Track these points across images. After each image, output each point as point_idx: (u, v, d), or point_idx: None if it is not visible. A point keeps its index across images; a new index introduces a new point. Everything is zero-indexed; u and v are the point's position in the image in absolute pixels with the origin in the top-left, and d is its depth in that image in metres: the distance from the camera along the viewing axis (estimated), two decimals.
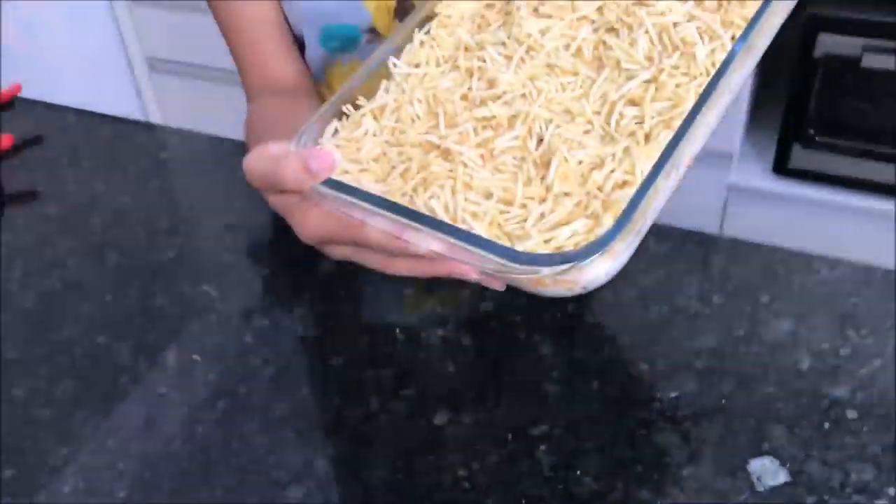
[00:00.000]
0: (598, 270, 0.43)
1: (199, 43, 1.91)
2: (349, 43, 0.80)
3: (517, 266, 0.41)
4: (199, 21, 1.85)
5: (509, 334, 0.64)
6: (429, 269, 0.47)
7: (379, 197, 0.45)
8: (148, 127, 1.03)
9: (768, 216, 1.63)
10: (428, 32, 0.55)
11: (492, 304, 0.66)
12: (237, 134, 0.87)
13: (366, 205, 0.45)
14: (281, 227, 0.78)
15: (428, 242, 0.44)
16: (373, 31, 0.79)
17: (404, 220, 0.44)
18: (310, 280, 0.71)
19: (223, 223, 0.78)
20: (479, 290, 0.66)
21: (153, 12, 1.93)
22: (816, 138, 1.52)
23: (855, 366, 0.60)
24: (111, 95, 1.99)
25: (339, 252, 0.51)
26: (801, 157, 1.55)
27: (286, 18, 0.80)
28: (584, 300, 0.65)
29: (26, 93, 0.97)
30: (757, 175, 1.62)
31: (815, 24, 1.40)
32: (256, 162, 0.50)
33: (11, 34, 1.95)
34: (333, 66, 0.83)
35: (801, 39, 1.42)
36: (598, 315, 0.65)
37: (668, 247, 0.70)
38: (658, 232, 0.70)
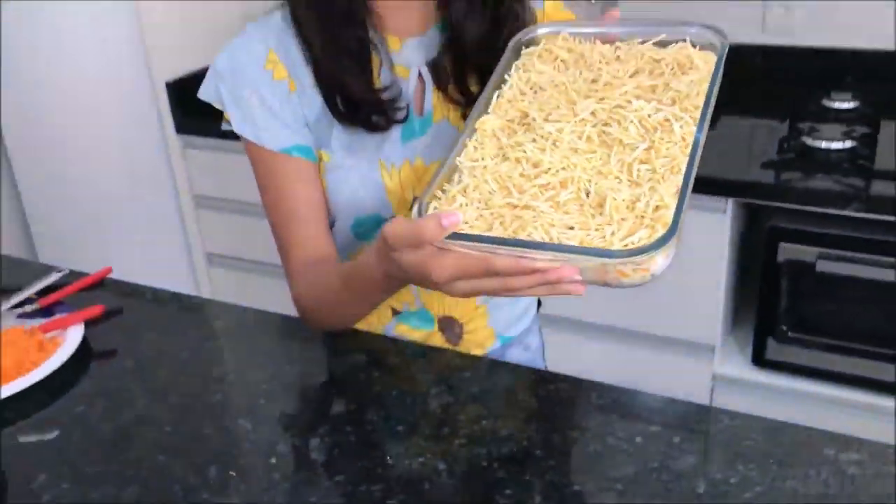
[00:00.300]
0: (661, 262, 0.69)
1: (249, 243, 2.22)
2: (374, 229, 1.02)
3: (616, 260, 0.67)
4: (251, 223, 2.16)
5: (475, 462, 0.82)
6: (541, 279, 0.70)
7: (503, 238, 0.71)
8: (205, 302, 1.27)
9: (753, 405, 1.79)
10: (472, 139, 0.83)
11: (482, 450, 0.85)
12: (273, 308, 1.10)
13: (492, 245, 0.70)
14: (299, 377, 0.99)
15: (544, 257, 0.68)
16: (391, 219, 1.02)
17: (526, 248, 0.69)
18: (322, 419, 0.90)
19: (259, 376, 0.99)
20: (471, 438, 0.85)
21: (213, 214, 2.25)
22: (789, 334, 1.71)
23: (740, 491, 0.76)
24: (176, 279, 2.27)
25: (466, 287, 0.74)
26: (776, 350, 1.73)
27: None
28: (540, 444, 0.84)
29: (115, 276, 1.22)
30: (738, 366, 1.79)
31: (776, 234, 1.64)
32: (396, 227, 0.75)
33: (101, 226, 2.28)
34: (356, 251, 1.05)
35: (765, 247, 1.65)
36: (542, 447, 0.83)
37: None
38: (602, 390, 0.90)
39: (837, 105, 1.82)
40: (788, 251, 1.63)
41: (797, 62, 1.99)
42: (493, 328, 1.12)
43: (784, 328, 1.70)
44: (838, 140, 1.64)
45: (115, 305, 1.14)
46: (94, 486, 0.83)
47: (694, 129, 0.76)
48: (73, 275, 1.21)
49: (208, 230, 2.29)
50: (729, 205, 1.64)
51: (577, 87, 0.84)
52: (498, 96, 0.86)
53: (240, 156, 2.13)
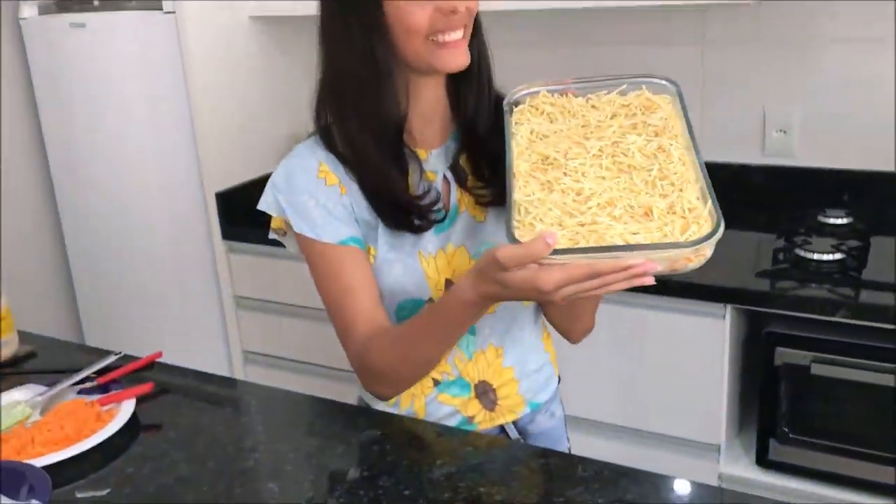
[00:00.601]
0: (712, 248, 0.88)
1: (283, 342, 2.37)
2: (414, 311, 1.16)
3: (688, 249, 0.86)
4: (288, 322, 2.31)
5: None
6: (631, 273, 0.87)
7: (601, 246, 0.88)
8: (239, 383, 1.41)
9: None
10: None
11: None
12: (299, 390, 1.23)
13: (591, 254, 0.87)
14: (320, 448, 1.11)
15: (636, 258, 0.85)
16: (431, 300, 1.16)
17: (619, 252, 0.86)
18: (340, 485, 1.03)
19: (285, 446, 1.12)
20: None
21: (251, 314, 2.41)
22: (790, 435, 1.79)
23: None
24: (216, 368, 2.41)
25: (570, 290, 0.90)
26: (778, 451, 1.81)
27: None
28: None
29: (164, 359, 1.37)
30: (744, 467, 1.87)
31: (773, 339, 1.74)
32: (508, 251, 0.92)
33: (146, 317, 2.45)
34: None
35: (763, 351, 1.76)
36: None
37: None
38: None
39: (832, 220, 1.95)
40: (785, 355, 1.74)
41: (795, 181, 2.14)
42: (523, 395, 1.24)
43: (785, 430, 1.78)
44: (829, 252, 1.77)
45: (162, 385, 1.29)
46: None
47: (683, 150, 0.98)
48: (126, 357, 1.37)
49: (246, 328, 2.44)
50: (727, 311, 1.76)
51: (575, 132, 1.04)
52: (516, 145, 1.05)
53: (277, 261, 2.32)
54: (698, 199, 0.92)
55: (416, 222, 1.14)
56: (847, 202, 2.05)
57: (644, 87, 1.09)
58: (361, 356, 1.14)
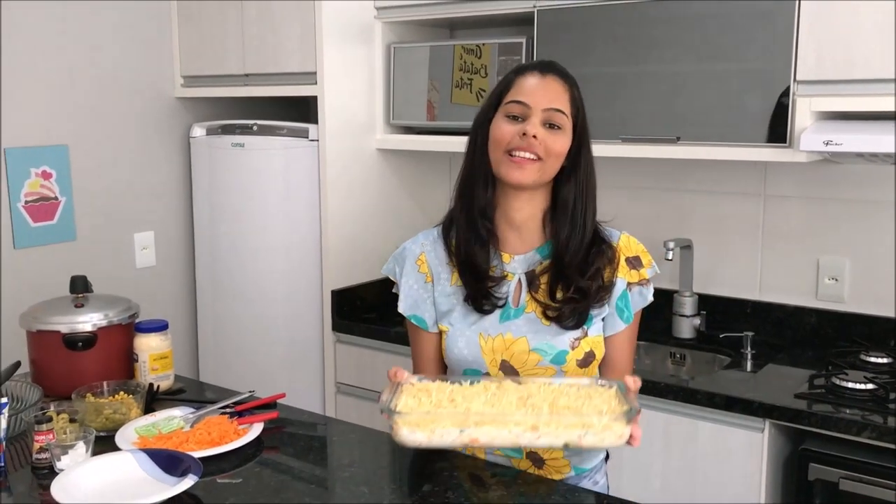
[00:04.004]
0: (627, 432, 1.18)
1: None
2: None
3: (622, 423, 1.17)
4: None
5: None
6: None
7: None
8: (337, 421, 1.74)
9: None
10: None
11: None
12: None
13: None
14: (401, 467, 1.40)
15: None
16: (486, 375, 1.46)
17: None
18: (415, 492, 1.32)
19: (374, 464, 1.42)
20: None
21: (349, 399, 2.73)
22: None
23: None
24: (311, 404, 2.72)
25: None
26: None
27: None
28: None
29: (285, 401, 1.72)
30: None
31: (807, 456, 1.95)
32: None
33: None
34: None
35: (797, 467, 1.96)
36: None
37: None
38: None
39: (873, 360, 2.16)
40: (818, 471, 1.93)
41: (844, 325, 2.36)
42: (569, 460, 1.50)
43: None
44: (862, 382, 1.98)
45: (282, 415, 1.63)
46: None
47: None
48: (254, 396, 1.73)
49: (342, 413, 2.76)
50: (766, 425, 1.98)
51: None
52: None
53: (376, 353, 2.67)
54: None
55: (484, 304, 1.45)
56: (893, 347, 2.26)
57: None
58: None
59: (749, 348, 2.29)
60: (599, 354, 1.47)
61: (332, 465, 1.43)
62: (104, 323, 1.78)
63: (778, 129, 2.07)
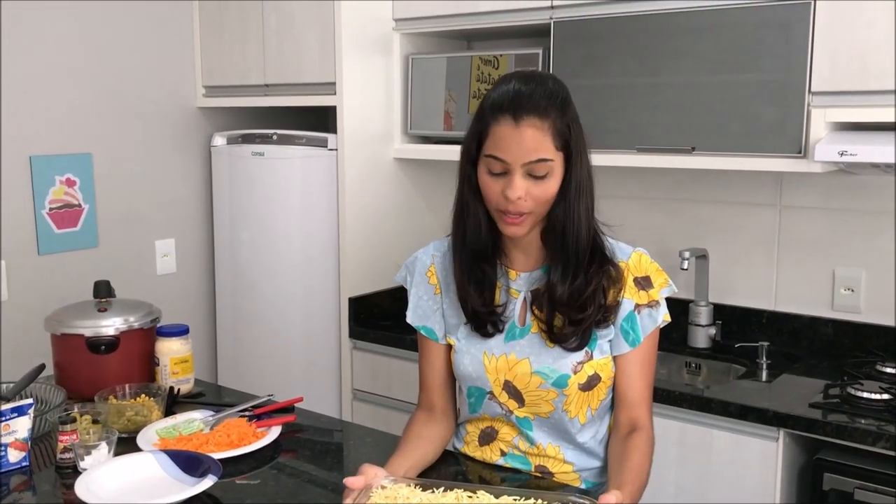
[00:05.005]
0: None
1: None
2: (480, 398, 1.49)
3: None
4: (395, 416, 2.62)
5: None
6: None
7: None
8: (352, 425, 1.77)
9: None
10: None
11: None
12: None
13: None
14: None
15: None
16: (491, 393, 1.47)
17: None
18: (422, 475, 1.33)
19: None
20: None
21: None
22: None
23: None
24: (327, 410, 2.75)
25: None
26: None
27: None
28: None
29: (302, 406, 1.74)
30: None
31: (821, 466, 1.95)
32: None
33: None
34: (472, 417, 1.52)
35: (812, 476, 1.96)
36: None
37: None
38: None
39: (889, 370, 2.16)
40: (832, 481, 1.93)
41: (860, 335, 2.36)
42: (578, 474, 1.49)
43: None
44: (877, 392, 1.98)
45: (299, 419, 1.65)
46: None
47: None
48: (272, 400, 1.75)
49: (358, 419, 2.79)
50: (781, 435, 1.98)
51: None
52: None
53: (392, 360, 2.69)
54: None
55: (488, 328, 1.44)
56: None
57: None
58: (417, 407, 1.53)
59: (764, 358, 2.30)
60: (606, 377, 1.43)
61: (348, 468, 1.45)
62: (126, 327, 1.81)
63: (793, 140, 2.08)
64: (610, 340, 1.43)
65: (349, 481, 1.21)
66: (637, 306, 1.43)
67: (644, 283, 1.44)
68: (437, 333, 1.50)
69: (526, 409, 1.44)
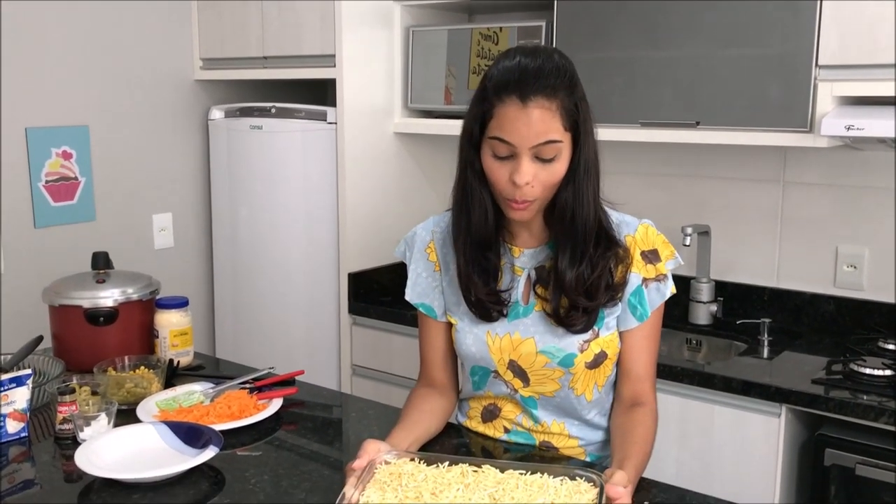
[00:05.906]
0: None
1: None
2: (484, 377, 1.47)
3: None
4: (396, 392, 2.61)
5: None
6: None
7: None
8: (357, 397, 1.77)
9: None
10: None
11: None
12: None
13: None
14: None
15: None
16: (495, 372, 1.45)
17: None
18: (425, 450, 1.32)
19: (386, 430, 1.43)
20: None
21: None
22: None
23: None
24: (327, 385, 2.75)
25: None
26: None
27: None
28: None
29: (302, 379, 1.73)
30: None
31: (823, 442, 1.94)
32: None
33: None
34: (475, 394, 1.50)
35: (814, 452, 1.96)
36: None
37: None
38: None
39: (891, 347, 2.16)
40: (834, 457, 1.93)
41: (862, 312, 2.35)
42: (584, 448, 1.48)
43: None
44: (879, 368, 1.98)
45: (300, 392, 1.64)
46: (282, 479, 1.28)
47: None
48: (272, 373, 1.74)
49: (358, 394, 2.77)
50: (783, 410, 1.98)
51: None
52: None
53: (392, 335, 2.68)
54: None
55: (492, 313, 1.40)
56: None
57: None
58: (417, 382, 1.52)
59: (766, 335, 2.29)
60: (612, 353, 1.42)
61: (349, 441, 1.44)
62: (125, 299, 1.80)
63: (799, 115, 2.06)
64: (617, 316, 1.42)
65: (353, 465, 1.18)
66: (644, 280, 1.41)
67: (651, 256, 1.42)
68: (436, 311, 1.48)
69: (531, 388, 1.43)
